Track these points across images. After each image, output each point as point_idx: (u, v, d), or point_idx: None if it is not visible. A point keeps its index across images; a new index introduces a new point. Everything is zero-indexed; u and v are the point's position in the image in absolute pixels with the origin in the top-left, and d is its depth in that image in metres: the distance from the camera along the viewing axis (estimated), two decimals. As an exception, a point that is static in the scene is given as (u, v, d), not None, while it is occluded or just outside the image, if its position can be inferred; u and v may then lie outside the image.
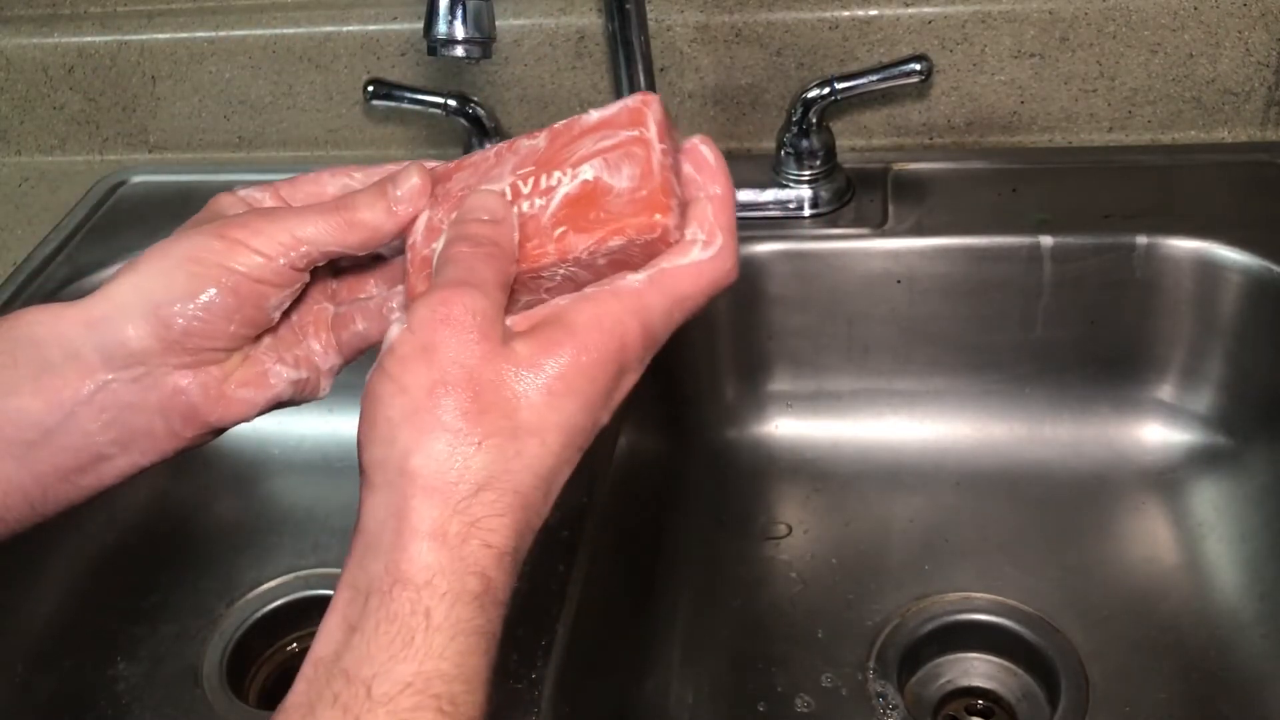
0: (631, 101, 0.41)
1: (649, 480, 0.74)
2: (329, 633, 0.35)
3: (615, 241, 0.38)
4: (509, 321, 0.39)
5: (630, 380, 0.39)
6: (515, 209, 0.40)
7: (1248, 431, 0.73)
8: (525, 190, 0.40)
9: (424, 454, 0.35)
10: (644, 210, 0.38)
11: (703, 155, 0.41)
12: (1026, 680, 0.68)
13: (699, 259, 0.39)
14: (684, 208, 0.40)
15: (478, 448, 0.35)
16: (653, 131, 0.40)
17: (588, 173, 0.40)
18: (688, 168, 0.41)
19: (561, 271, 0.39)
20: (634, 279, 0.39)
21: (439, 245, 0.40)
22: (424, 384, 0.36)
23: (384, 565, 0.35)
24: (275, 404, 0.45)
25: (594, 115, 0.41)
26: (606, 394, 0.38)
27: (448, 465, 0.35)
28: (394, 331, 0.37)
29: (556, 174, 0.40)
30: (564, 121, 0.42)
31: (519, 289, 0.40)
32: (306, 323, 0.47)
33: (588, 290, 0.39)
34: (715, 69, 0.80)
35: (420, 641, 0.34)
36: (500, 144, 0.43)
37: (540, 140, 0.42)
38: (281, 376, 0.45)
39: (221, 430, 0.44)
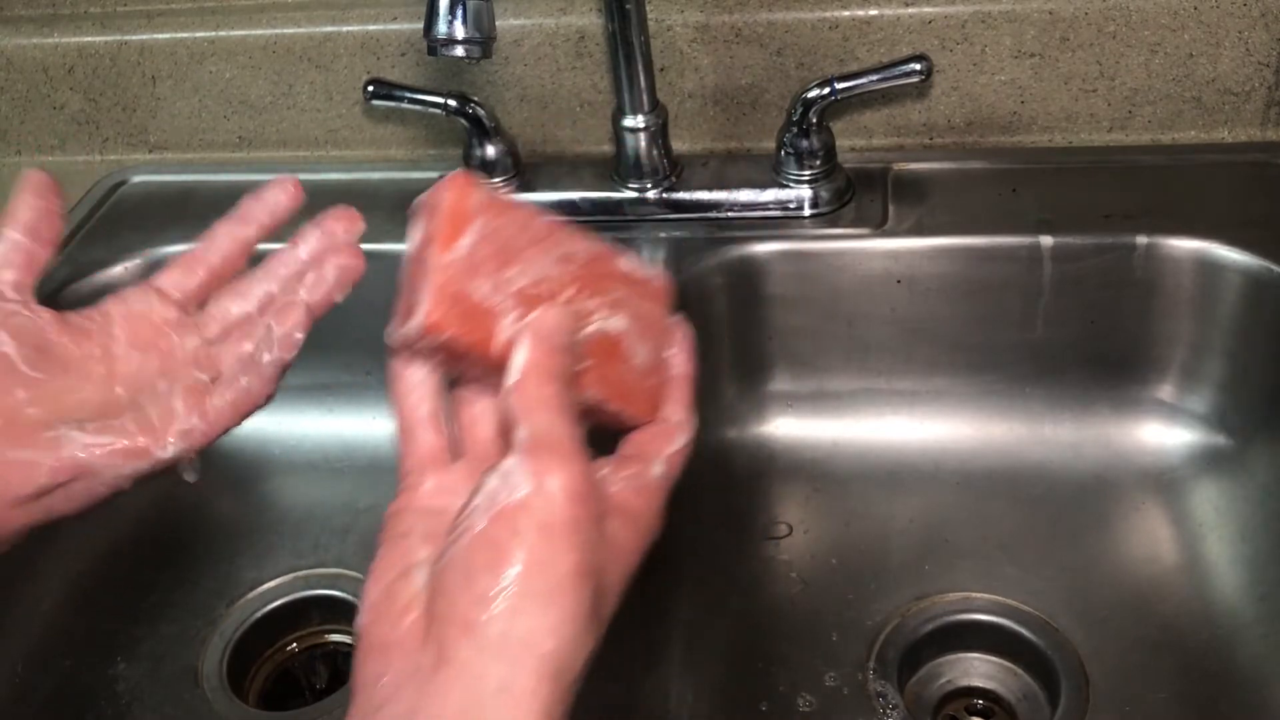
0: (658, 280, 0.45)
1: (649, 480, 0.73)
2: None
3: (613, 409, 0.42)
4: None
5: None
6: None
7: (1248, 431, 0.73)
8: (564, 297, 0.41)
9: (555, 639, 0.34)
10: (646, 402, 0.43)
11: (680, 337, 0.46)
12: (1026, 680, 0.68)
13: (685, 442, 0.44)
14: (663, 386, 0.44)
15: (593, 643, 0.36)
16: (669, 322, 0.45)
17: (618, 324, 0.42)
18: (670, 348, 0.45)
19: None
20: (657, 470, 0.42)
21: (482, 289, 0.39)
22: (569, 565, 0.35)
23: None
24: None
25: (627, 264, 0.44)
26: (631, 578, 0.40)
27: (570, 656, 0.35)
28: (523, 487, 0.35)
29: (594, 303, 0.42)
30: (600, 245, 0.43)
31: (493, 373, 0.40)
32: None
33: (638, 483, 0.41)
34: (715, 69, 0.80)
35: None
36: (546, 216, 0.42)
37: (582, 249, 0.42)
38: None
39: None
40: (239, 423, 0.45)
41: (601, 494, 0.38)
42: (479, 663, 0.34)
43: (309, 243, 0.49)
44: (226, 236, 0.50)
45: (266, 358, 0.45)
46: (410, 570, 0.38)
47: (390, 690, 0.35)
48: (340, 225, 0.49)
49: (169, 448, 0.44)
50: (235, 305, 0.48)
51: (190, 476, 0.45)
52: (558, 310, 0.40)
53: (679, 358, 0.45)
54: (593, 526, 0.36)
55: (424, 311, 0.39)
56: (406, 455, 0.43)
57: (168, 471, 0.44)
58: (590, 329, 0.41)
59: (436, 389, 0.43)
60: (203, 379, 0.46)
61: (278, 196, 0.51)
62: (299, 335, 0.45)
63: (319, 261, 0.48)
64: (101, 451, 0.42)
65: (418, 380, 0.43)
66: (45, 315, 0.45)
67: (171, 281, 0.49)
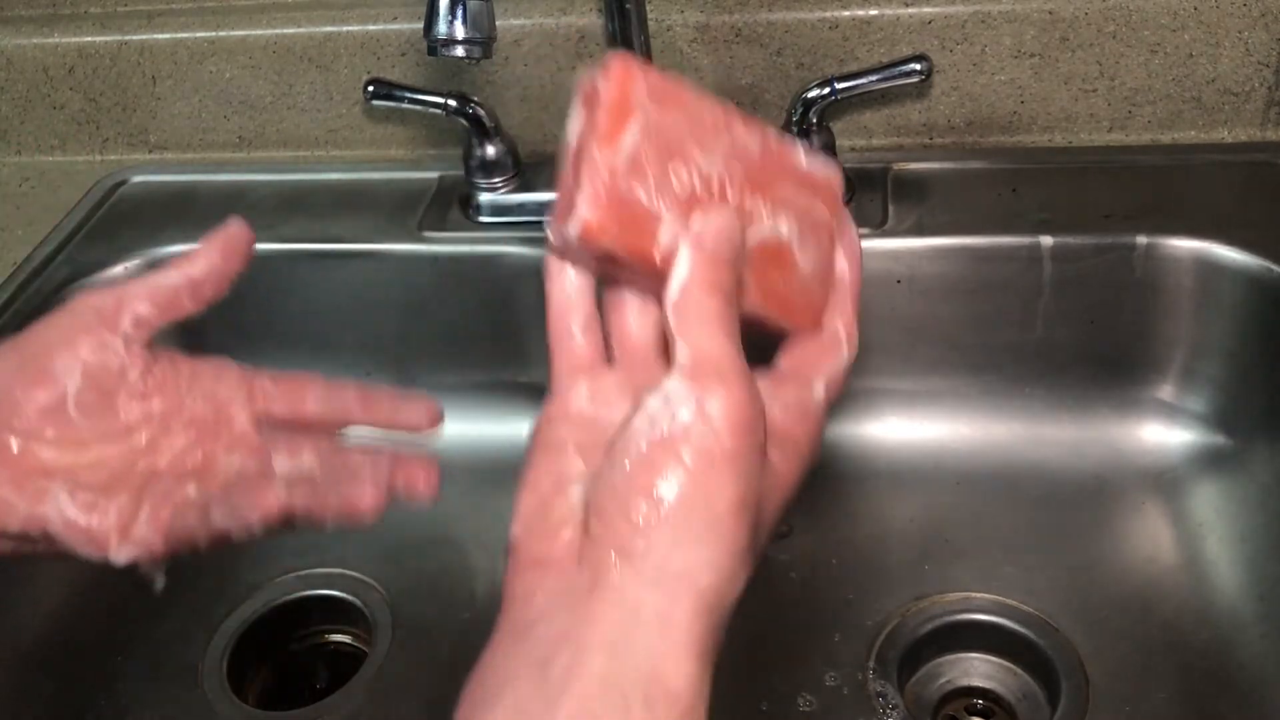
0: (832, 177, 0.42)
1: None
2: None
3: (775, 320, 0.40)
4: None
5: None
6: None
7: (1248, 431, 0.73)
8: (730, 196, 0.39)
9: (713, 573, 0.34)
10: (810, 314, 0.41)
11: (855, 246, 0.43)
12: (1026, 680, 0.68)
13: (849, 360, 0.42)
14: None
15: (748, 575, 0.36)
16: (838, 222, 0.42)
17: (784, 227, 0.40)
18: (838, 249, 0.43)
19: None
20: (818, 394, 0.41)
21: (645, 191, 0.37)
22: (730, 498, 0.34)
23: (650, 670, 0.33)
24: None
25: (801, 158, 0.41)
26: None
27: (725, 591, 0.35)
28: (685, 412, 0.34)
29: (761, 203, 0.39)
30: (774, 137, 0.40)
31: (662, 279, 0.38)
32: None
33: (799, 407, 0.40)
34: (715, 69, 0.80)
35: None
36: (718, 105, 0.39)
37: (754, 141, 0.40)
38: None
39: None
40: (200, 548, 0.43)
41: (764, 422, 0.36)
42: (635, 591, 0.33)
43: (376, 462, 0.45)
44: (340, 400, 0.47)
45: (217, 515, 0.42)
46: (565, 484, 0.37)
47: (543, 608, 0.34)
48: (407, 482, 0.45)
49: (123, 553, 0.42)
50: (279, 458, 0.45)
51: (157, 585, 0.43)
52: (723, 215, 0.37)
53: (846, 264, 0.43)
54: (755, 456, 0.35)
55: (582, 216, 0.37)
56: (558, 359, 0.41)
57: (133, 570, 0.43)
58: (755, 235, 0.39)
59: (590, 292, 0.41)
60: (190, 494, 0.43)
61: (414, 417, 0.48)
62: (253, 519, 0.41)
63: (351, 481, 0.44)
64: (69, 526, 0.41)
65: (571, 281, 0.41)
66: (137, 361, 0.43)
67: (267, 395, 0.46)
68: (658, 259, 0.37)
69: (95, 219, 0.86)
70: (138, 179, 0.90)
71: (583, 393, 0.40)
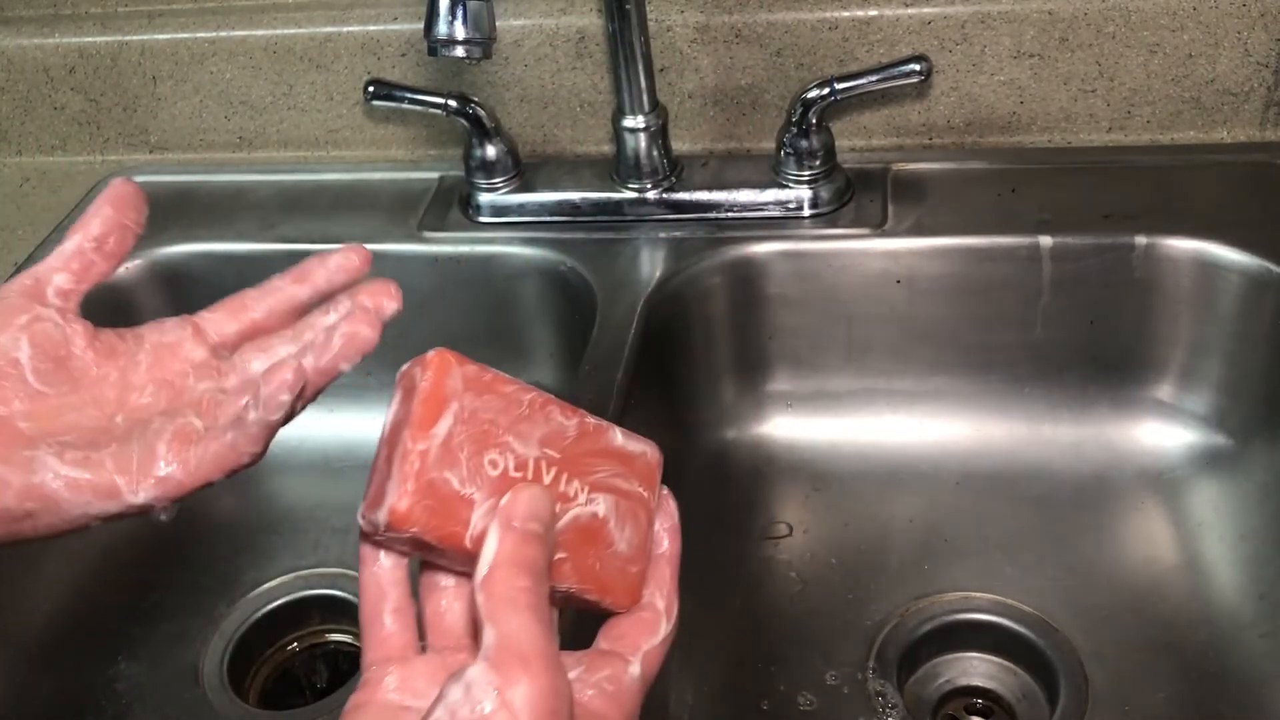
0: (651, 455, 0.43)
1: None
2: None
3: (592, 598, 0.40)
4: None
5: None
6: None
7: (1247, 431, 0.73)
8: (545, 479, 0.39)
9: None
10: (628, 590, 0.41)
11: (673, 514, 0.43)
12: (1026, 680, 0.68)
13: (666, 634, 0.41)
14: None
15: None
16: (655, 500, 0.42)
17: (600, 507, 0.40)
18: (657, 522, 0.43)
19: None
20: (633, 673, 0.40)
21: (457, 477, 0.37)
22: None
23: None
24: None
25: (619, 437, 0.42)
26: None
27: None
28: (487, 705, 0.33)
29: (575, 485, 0.40)
30: (592, 421, 0.41)
31: (465, 563, 0.38)
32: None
33: (613, 687, 0.39)
34: (715, 69, 0.80)
35: None
36: (535, 393, 0.40)
37: (571, 425, 0.40)
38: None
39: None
40: (220, 478, 0.43)
41: (570, 708, 0.35)
42: None
43: (339, 309, 0.47)
44: (278, 291, 0.49)
45: (252, 416, 0.42)
46: None
47: None
48: (372, 298, 0.47)
49: (141, 493, 0.41)
50: (256, 360, 0.47)
51: (163, 517, 0.43)
52: (532, 491, 0.37)
53: (666, 537, 0.43)
54: None
55: (390, 503, 0.37)
56: (369, 647, 0.41)
57: (140, 514, 0.42)
58: (570, 515, 0.40)
59: (403, 579, 0.41)
60: (196, 425, 0.43)
61: (341, 263, 0.49)
62: (284, 398, 0.42)
63: (334, 328, 0.45)
64: (71, 485, 0.41)
65: (384, 567, 0.41)
66: (78, 327, 0.44)
67: (211, 322, 0.47)
68: (469, 544, 0.37)
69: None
70: (138, 179, 0.89)
71: (392, 682, 0.40)
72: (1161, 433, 0.76)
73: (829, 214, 0.76)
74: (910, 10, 0.76)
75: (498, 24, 0.65)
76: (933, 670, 0.69)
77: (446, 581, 0.41)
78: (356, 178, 0.86)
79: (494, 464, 0.38)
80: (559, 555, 0.39)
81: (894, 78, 0.72)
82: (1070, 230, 0.73)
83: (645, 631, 0.41)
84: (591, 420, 0.41)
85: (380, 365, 0.84)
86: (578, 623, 0.41)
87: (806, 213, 0.76)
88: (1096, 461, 0.76)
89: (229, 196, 0.86)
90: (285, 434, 0.91)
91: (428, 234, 0.80)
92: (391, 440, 0.39)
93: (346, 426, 0.85)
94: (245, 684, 0.73)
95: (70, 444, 0.41)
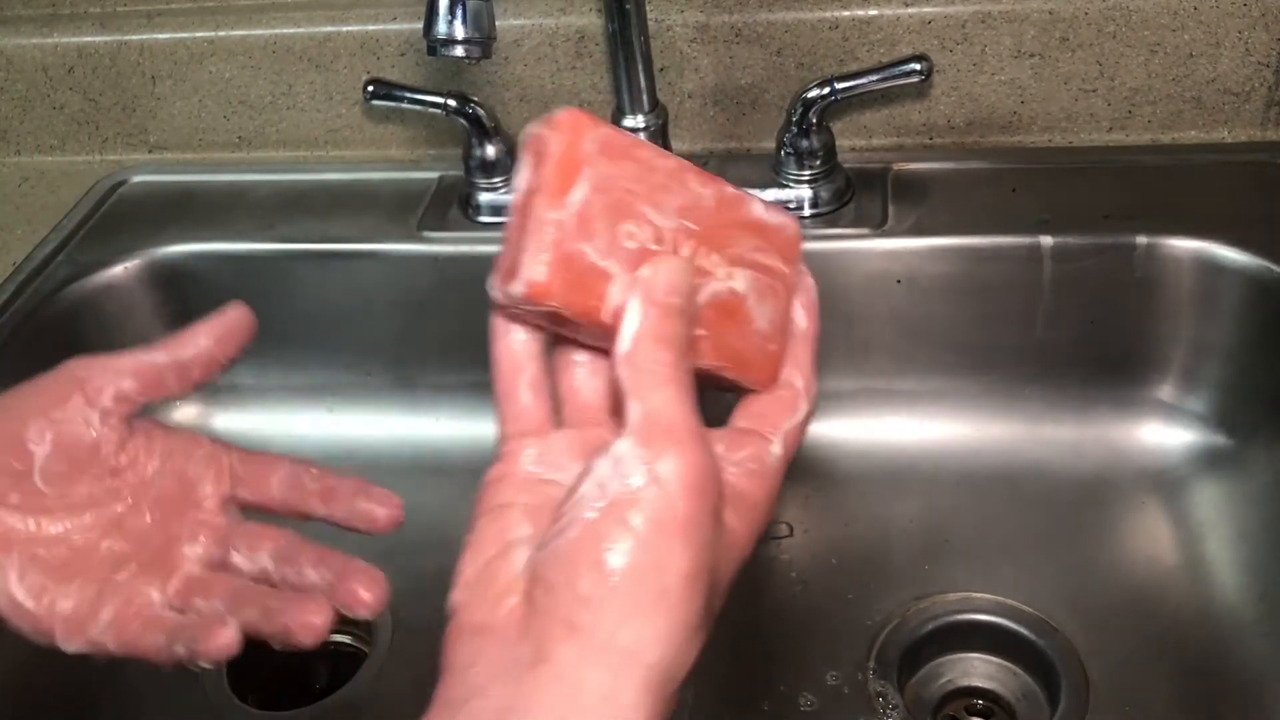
0: (790, 228, 0.41)
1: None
2: None
3: (731, 376, 0.39)
4: None
5: None
6: None
7: (1248, 431, 0.73)
8: (683, 253, 0.38)
9: (663, 647, 0.32)
10: (766, 369, 0.40)
11: (813, 298, 0.42)
12: (1026, 680, 0.68)
13: (805, 413, 0.41)
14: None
15: (700, 648, 0.33)
16: (796, 275, 0.41)
17: (739, 282, 0.39)
18: (796, 300, 0.42)
19: None
20: (775, 452, 0.39)
21: (594, 249, 0.36)
22: (682, 568, 0.32)
23: None
24: None
25: (759, 209, 0.40)
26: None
27: (676, 665, 0.33)
28: (636, 477, 0.33)
29: (715, 259, 0.38)
30: (731, 191, 0.39)
31: (605, 340, 0.37)
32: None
33: (755, 466, 0.38)
34: (715, 69, 0.80)
35: None
36: (672, 159, 0.39)
37: (709, 195, 0.39)
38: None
39: None
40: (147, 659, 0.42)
41: (719, 484, 0.35)
42: (580, 667, 0.32)
43: (319, 570, 0.45)
44: (304, 488, 0.46)
45: (181, 651, 0.41)
46: (510, 549, 0.35)
47: (482, 680, 0.33)
48: (350, 596, 0.44)
49: (72, 645, 0.41)
50: (250, 560, 0.45)
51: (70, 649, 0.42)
52: (672, 264, 0.36)
53: (803, 315, 0.41)
54: (709, 522, 0.33)
55: (527, 276, 0.36)
56: (505, 420, 0.40)
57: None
58: (709, 290, 0.38)
59: (539, 351, 0.40)
60: (153, 603, 0.42)
61: (378, 511, 0.46)
62: (208, 665, 0.41)
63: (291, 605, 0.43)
64: (14, 608, 0.40)
65: (518, 340, 0.40)
66: (112, 435, 0.43)
67: (238, 476, 0.46)
68: (607, 318, 0.36)
69: (95, 219, 0.86)
70: (138, 179, 0.90)
71: (530, 455, 0.39)
72: (1162, 433, 0.76)
73: (829, 214, 0.76)
74: (910, 10, 0.76)
75: (498, 24, 0.65)
76: (933, 670, 0.69)
77: (581, 357, 0.40)
78: (356, 177, 0.86)
79: (631, 235, 0.37)
80: (698, 332, 0.38)
81: (894, 77, 0.72)
82: (1070, 230, 0.73)
83: (785, 410, 0.40)
84: (731, 189, 0.40)
85: (380, 365, 0.84)
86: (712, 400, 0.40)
87: (807, 213, 0.76)
88: (1096, 461, 0.76)
89: (228, 196, 0.86)
90: (285, 434, 0.92)
91: (427, 234, 0.80)
92: (524, 208, 0.37)
93: (346, 426, 0.84)
94: (245, 684, 0.73)
95: (41, 563, 0.41)
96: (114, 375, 0.44)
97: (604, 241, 0.36)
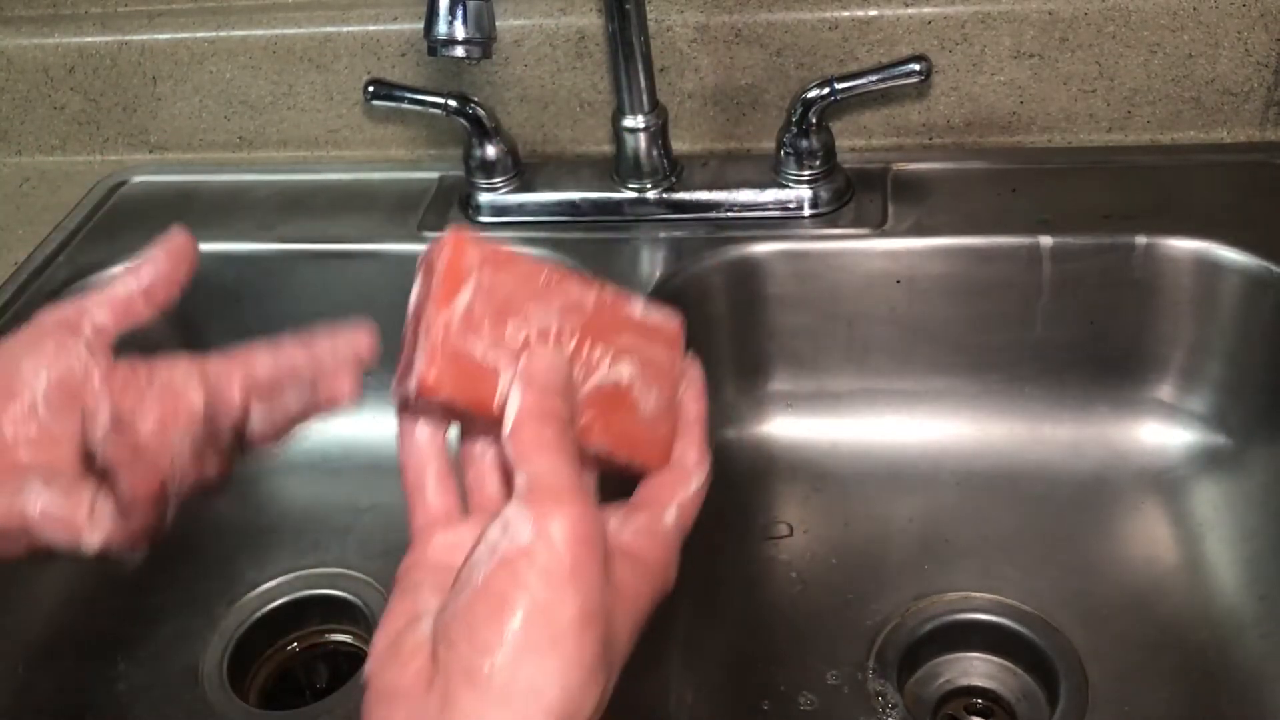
0: (671, 325, 0.44)
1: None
2: None
3: (623, 460, 0.42)
4: None
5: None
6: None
7: (1248, 431, 0.73)
8: (568, 347, 0.41)
9: (560, 687, 0.34)
10: (657, 450, 0.43)
11: (693, 378, 0.45)
12: (1026, 680, 0.68)
13: (699, 486, 0.43)
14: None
15: (601, 691, 0.35)
16: (681, 366, 0.44)
17: (624, 373, 0.42)
18: (682, 388, 0.44)
19: None
20: (668, 519, 0.41)
21: (480, 346, 0.39)
22: (573, 612, 0.34)
23: None
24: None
25: (639, 309, 0.43)
26: (648, 616, 0.40)
27: (576, 706, 0.34)
28: (524, 534, 0.35)
29: (599, 352, 0.41)
30: (610, 292, 0.42)
31: (495, 429, 0.40)
32: None
33: (649, 531, 0.41)
34: (715, 69, 0.80)
35: None
36: (551, 266, 0.42)
37: (589, 299, 0.42)
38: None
39: None
40: (149, 520, 0.44)
41: (607, 536, 0.37)
42: (483, 712, 0.34)
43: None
44: (284, 353, 0.50)
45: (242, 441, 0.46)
46: (417, 619, 0.38)
47: None
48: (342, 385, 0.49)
49: (94, 536, 0.43)
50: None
51: (128, 562, 0.45)
52: (549, 351, 0.40)
53: (691, 400, 0.44)
54: (597, 570, 0.35)
55: (419, 372, 0.39)
56: (415, 514, 0.43)
57: (107, 557, 0.44)
58: (594, 380, 0.41)
59: (441, 447, 0.43)
60: (153, 479, 0.45)
61: (349, 344, 0.50)
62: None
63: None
64: (43, 512, 0.43)
65: (422, 439, 0.43)
66: (101, 361, 0.46)
67: (217, 372, 0.48)
68: (497, 410, 0.39)
69: (95, 219, 0.86)
70: (138, 179, 0.90)
71: (439, 543, 0.42)
72: (1162, 433, 0.76)
73: (829, 214, 0.76)
74: (910, 10, 0.76)
75: (498, 24, 0.65)
76: (933, 670, 0.69)
77: (484, 451, 0.43)
78: (356, 178, 0.86)
79: (516, 334, 0.40)
80: (586, 418, 0.41)
81: (894, 78, 0.72)
82: (1070, 230, 0.73)
83: (677, 485, 0.43)
84: (610, 292, 0.42)
85: (380, 365, 0.84)
86: (608, 489, 0.42)
87: (806, 213, 0.76)
88: (1096, 461, 0.76)
89: (229, 196, 0.86)
90: (285, 434, 0.90)
91: (428, 234, 0.80)
92: (416, 317, 0.41)
93: (346, 426, 0.84)
94: (245, 684, 0.73)
95: (61, 474, 0.43)
96: (89, 309, 0.47)
97: (490, 339, 0.40)
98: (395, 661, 0.37)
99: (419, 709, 0.35)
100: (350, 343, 0.50)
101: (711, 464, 0.43)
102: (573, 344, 0.41)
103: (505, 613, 0.34)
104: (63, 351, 0.45)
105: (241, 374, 0.49)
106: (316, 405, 0.49)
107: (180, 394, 0.47)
